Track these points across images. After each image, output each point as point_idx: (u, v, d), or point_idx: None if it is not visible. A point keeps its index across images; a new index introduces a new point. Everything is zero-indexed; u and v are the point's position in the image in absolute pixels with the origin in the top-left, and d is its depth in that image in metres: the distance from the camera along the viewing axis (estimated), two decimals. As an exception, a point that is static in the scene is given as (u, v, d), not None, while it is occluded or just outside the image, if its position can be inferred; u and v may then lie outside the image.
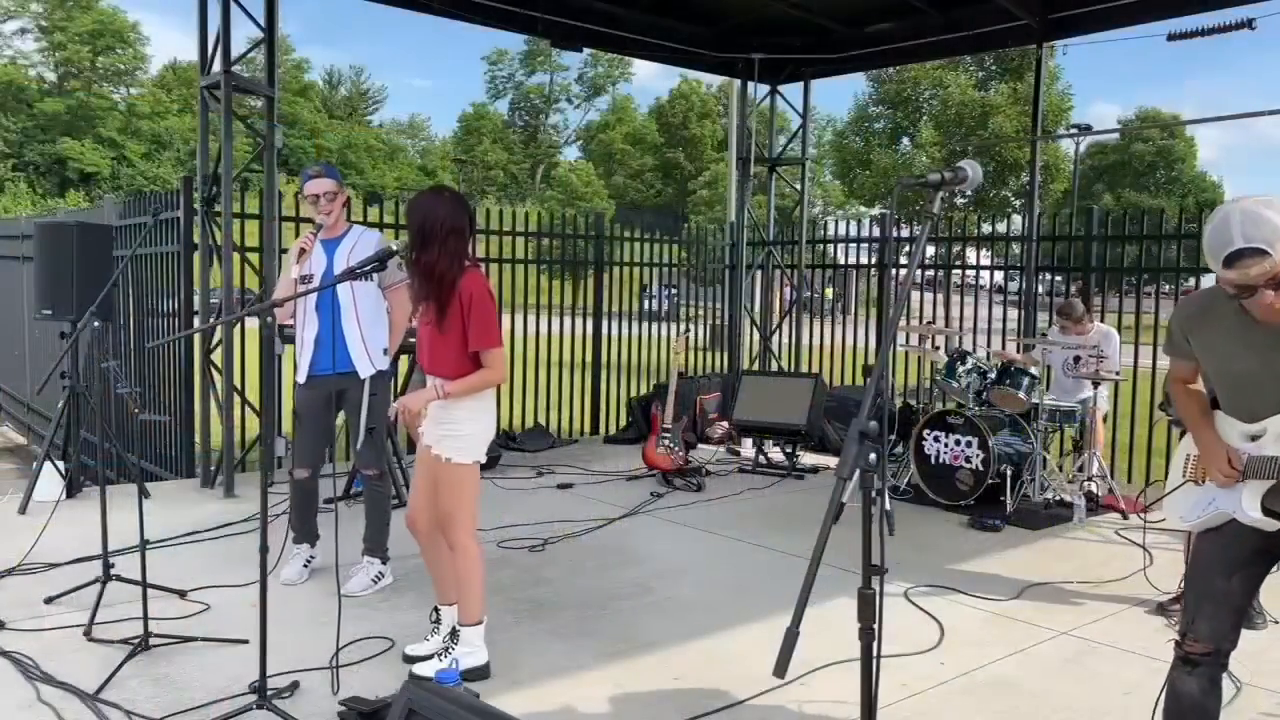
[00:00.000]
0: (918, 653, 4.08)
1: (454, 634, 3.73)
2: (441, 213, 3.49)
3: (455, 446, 3.64)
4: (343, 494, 6.33)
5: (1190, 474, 2.80)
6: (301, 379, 4.75)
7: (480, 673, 3.66)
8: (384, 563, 4.88)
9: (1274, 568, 2.75)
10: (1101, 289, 8.37)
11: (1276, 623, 4.47)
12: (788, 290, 10.43)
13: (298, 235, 7.45)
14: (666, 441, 7.37)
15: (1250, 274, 2.38)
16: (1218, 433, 2.73)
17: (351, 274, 3.87)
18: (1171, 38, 8.98)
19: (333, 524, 5.05)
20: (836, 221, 10.96)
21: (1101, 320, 7.38)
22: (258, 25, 6.81)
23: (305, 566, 4.88)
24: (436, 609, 3.88)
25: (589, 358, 9.67)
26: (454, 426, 3.64)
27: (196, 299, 7.02)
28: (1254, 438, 2.64)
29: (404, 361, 7.04)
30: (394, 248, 3.68)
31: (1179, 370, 2.87)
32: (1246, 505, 2.62)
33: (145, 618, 3.83)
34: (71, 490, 6.29)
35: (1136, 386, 7.84)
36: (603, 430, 9.73)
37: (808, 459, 8.26)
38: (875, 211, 32.96)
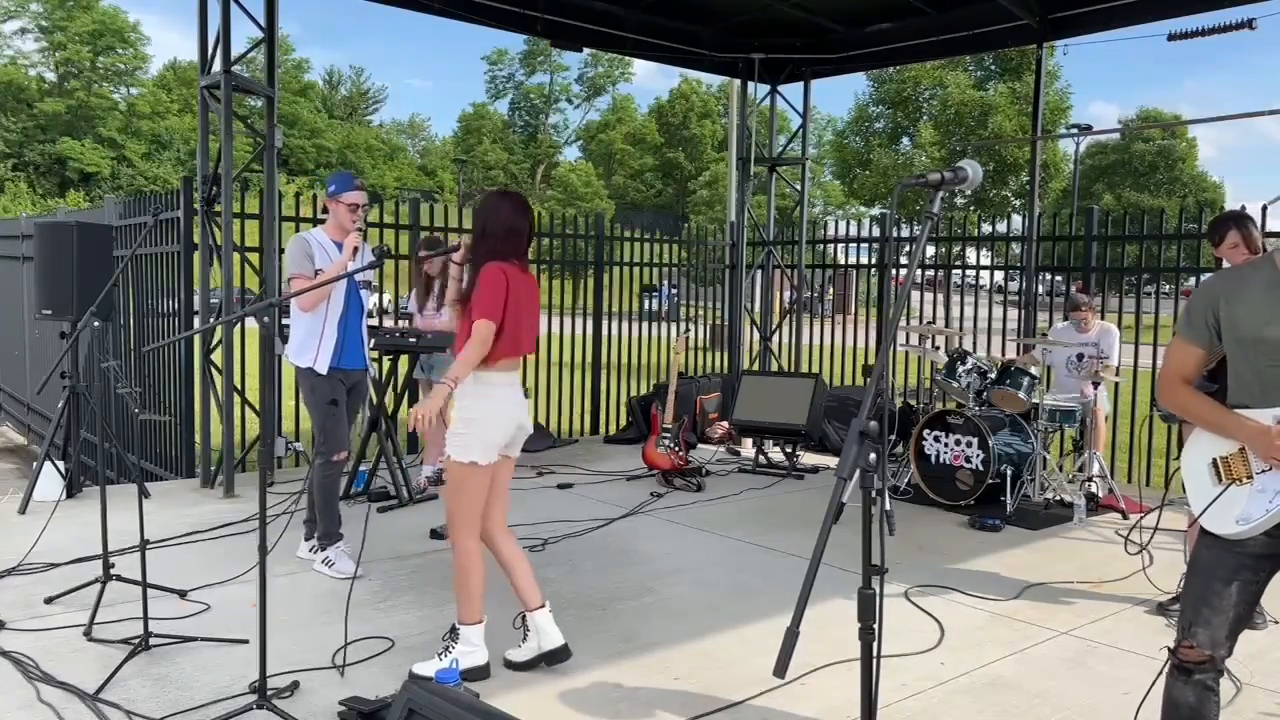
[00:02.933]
0: (918, 653, 4.08)
1: (453, 632, 3.74)
2: (500, 215, 3.73)
3: (453, 444, 3.66)
4: (342, 494, 6.32)
5: (1229, 477, 2.61)
6: (324, 369, 4.88)
7: (480, 673, 3.66)
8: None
9: (1276, 574, 2.65)
10: (1102, 289, 8.37)
11: (1277, 623, 4.47)
12: (788, 290, 10.43)
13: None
14: (666, 441, 7.37)
15: None
16: (1246, 417, 2.57)
17: (355, 272, 4.13)
18: (1171, 38, 9.00)
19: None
20: (836, 221, 10.96)
21: (1102, 318, 7.40)
22: (258, 25, 6.81)
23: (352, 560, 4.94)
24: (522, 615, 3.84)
25: (589, 358, 9.67)
26: (456, 425, 3.66)
27: (196, 299, 7.02)
28: None
29: (404, 361, 7.05)
30: (387, 249, 3.84)
31: (1187, 361, 2.70)
32: None
33: (145, 618, 3.83)
34: (71, 490, 6.29)
35: (1136, 386, 7.84)
36: (603, 430, 9.74)
37: (808, 459, 8.26)
38: (875, 211, 32.99)
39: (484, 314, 3.59)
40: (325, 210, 5.18)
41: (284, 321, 5.67)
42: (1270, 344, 2.54)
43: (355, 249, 4.89)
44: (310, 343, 4.86)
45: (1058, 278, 9.78)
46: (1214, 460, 2.65)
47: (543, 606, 3.78)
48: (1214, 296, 2.64)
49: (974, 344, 8.89)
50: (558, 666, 3.82)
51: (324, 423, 4.91)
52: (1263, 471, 2.56)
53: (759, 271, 10.53)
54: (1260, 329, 2.55)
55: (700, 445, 8.77)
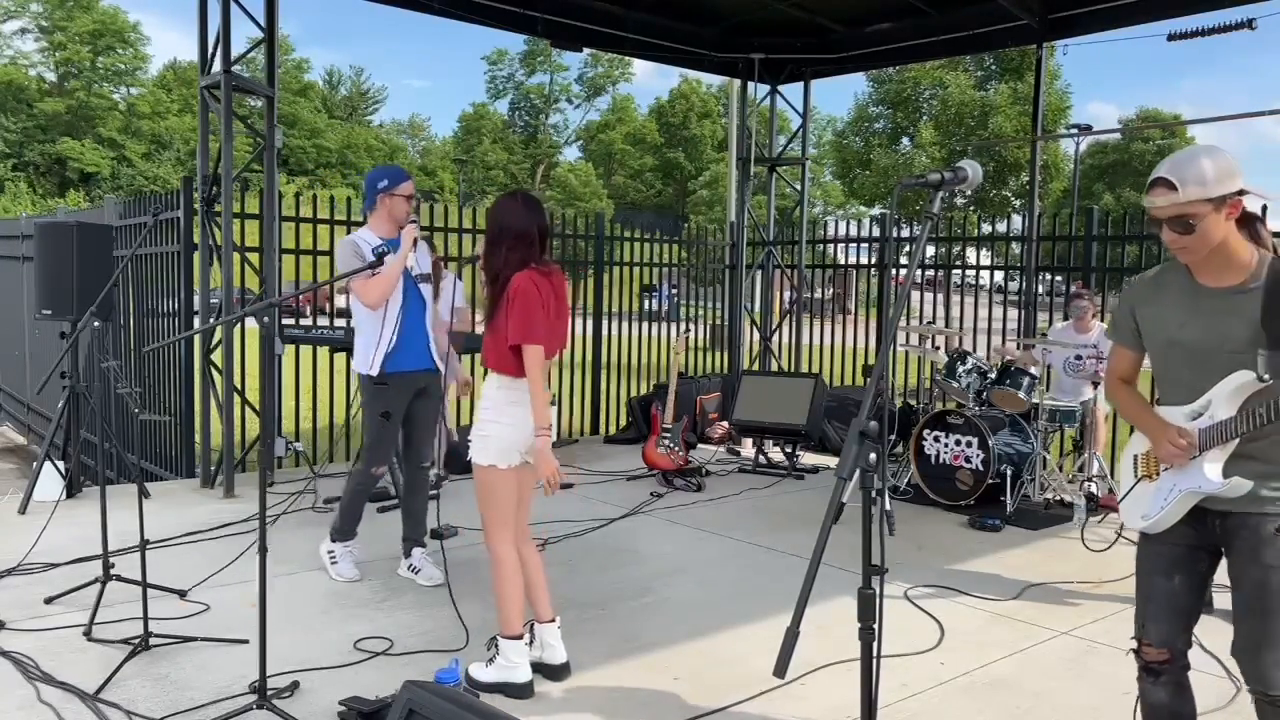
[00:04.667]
0: (918, 653, 4.08)
1: (494, 642, 3.68)
2: (510, 218, 3.59)
3: (476, 446, 3.60)
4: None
5: (1144, 473, 2.73)
6: (376, 370, 4.64)
7: (517, 690, 3.54)
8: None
9: (1218, 565, 2.68)
10: (1102, 289, 8.36)
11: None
12: (788, 290, 10.44)
13: (298, 236, 7.50)
14: (666, 441, 7.37)
15: (1155, 203, 2.46)
16: (1161, 416, 2.67)
17: (369, 266, 3.95)
18: (1171, 38, 8.97)
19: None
20: (836, 221, 10.96)
21: (1101, 319, 7.39)
22: (258, 25, 6.81)
23: (355, 566, 4.93)
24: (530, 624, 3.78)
25: (589, 358, 9.67)
26: (480, 426, 3.60)
27: (196, 299, 7.02)
28: (1197, 415, 2.58)
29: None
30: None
31: (1121, 363, 2.83)
32: (1209, 474, 2.54)
33: (145, 618, 3.84)
34: (71, 490, 6.28)
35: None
36: (603, 430, 9.73)
37: (808, 459, 8.26)
38: (875, 211, 32.99)
39: (530, 338, 3.48)
40: (363, 199, 4.86)
41: (350, 324, 5.44)
42: (1181, 346, 2.62)
43: (416, 240, 4.68)
44: (369, 352, 4.66)
45: (1058, 278, 9.78)
46: (1135, 456, 2.79)
47: (552, 621, 3.74)
48: (1131, 302, 2.77)
49: (974, 344, 8.89)
50: (558, 667, 3.82)
51: (372, 434, 4.77)
52: (1166, 469, 2.65)
53: (759, 271, 10.53)
54: (1173, 332, 2.63)
55: (700, 445, 8.77)
